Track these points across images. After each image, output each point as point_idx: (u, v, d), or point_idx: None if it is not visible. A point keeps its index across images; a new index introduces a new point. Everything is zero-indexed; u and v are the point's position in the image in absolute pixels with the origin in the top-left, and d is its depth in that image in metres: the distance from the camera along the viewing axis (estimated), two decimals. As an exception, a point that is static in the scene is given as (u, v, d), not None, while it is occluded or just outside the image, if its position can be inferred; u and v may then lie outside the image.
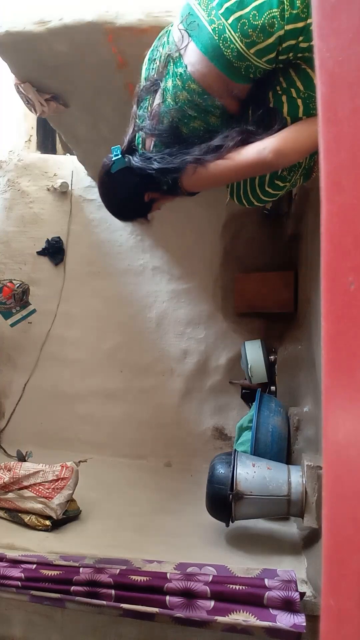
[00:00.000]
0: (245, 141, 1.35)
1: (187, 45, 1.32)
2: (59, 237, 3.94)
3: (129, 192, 1.56)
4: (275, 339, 3.50)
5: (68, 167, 3.98)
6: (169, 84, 1.39)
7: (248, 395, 3.46)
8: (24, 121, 4.41)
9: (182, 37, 1.32)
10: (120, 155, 1.51)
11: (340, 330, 0.51)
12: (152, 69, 1.45)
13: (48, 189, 3.99)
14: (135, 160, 1.48)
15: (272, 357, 3.30)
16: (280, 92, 1.35)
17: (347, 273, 0.49)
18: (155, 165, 1.43)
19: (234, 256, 3.72)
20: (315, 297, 2.45)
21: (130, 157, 1.51)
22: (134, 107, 1.53)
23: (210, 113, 1.38)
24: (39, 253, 3.96)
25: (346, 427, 0.50)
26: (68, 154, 4.13)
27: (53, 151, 4.52)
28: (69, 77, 2.62)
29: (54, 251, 3.93)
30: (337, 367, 0.52)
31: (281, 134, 1.33)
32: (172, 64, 1.36)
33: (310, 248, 2.70)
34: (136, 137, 1.51)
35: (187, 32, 1.30)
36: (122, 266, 3.87)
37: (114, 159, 1.53)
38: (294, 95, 1.33)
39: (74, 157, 3.75)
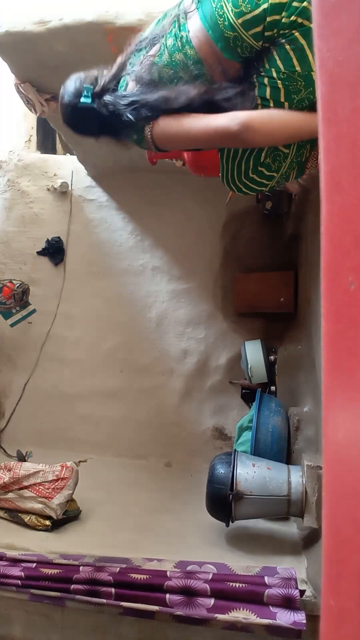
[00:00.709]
0: (221, 107, 1.38)
1: (193, 12, 1.39)
2: (59, 237, 3.94)
3: (87, 129, 1.56)
4: (275, 339, 3.51)
5: (68, 167, 3.98)
6: (169, 42, 1.42)
7: (248, 395, 3.46)
8: (24, 121, 4.41)
9: (192, 3, 1.40)
10: (90, 99, 1.48)
11: (340, 330, 0.51)
12: (158, 27, 1.48)
13: (48, 189, 3.99)
14: (107, 98, 1.46)
15: (272, 357, 3.30)
16: (263, 74, 1.37)
17: (347, 273, 0.49)
18: (128, 100, 1.42)
19: (234, 256, 3.72)
20: (315, 297, 2.45)
21: (100, 99, 1.48)
22: (122, 56, 1.52)
23: (198, 81, 1.42)
24: (39, 253, 3.96)
25: (346, 427, 0.50)
26: (68, 154, 4.13)
27: (53, 151, 4.52)
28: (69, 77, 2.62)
29: (54, 251, 3.93)
30: (337, 367, 0.52)
31: (258, 111, 1.37)
32: (177, 25, 1.42)
33: (310, 248, 2.70)
34: (121, 80, 1.50)
35: (197, 1, 1.39)
36: (122, 266, 3.87)
37: (82, 99, 1.50)
38: (274, 76, 1.35)
39: (74, 157, 3.75)
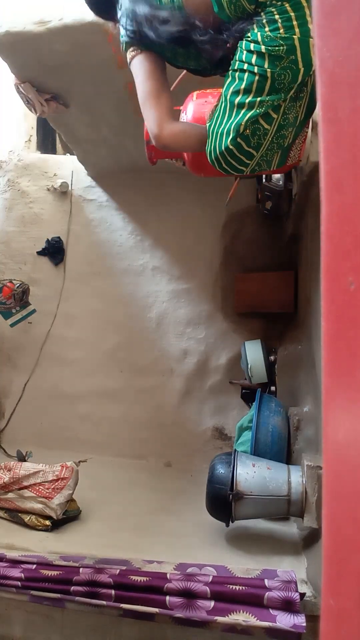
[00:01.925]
0: (192, 45, 1.46)
1: None
2: (59, 237, 3.94)
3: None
4: (275, 339, 3.50)
5: (68, 167, 3.98)
6: None
7: (248, 395, 3.46)
8: (24, 121, 4.41)
9: None
10: None
11: (340, 330, 0.51)
12: None
13: (48, 189, 3.99)
14: None
15: (272, 357, 3.30)
16: (249, 38, 1.38)
17: (347, 273, 0.49)
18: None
19: (234, 256, 3.72)
20: (315, 297, 2.45)
21: None
22: None
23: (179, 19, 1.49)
24: (39, 253, 3.96)
25: (346, 427, 0.50)
26: (68, 154, 4.13)
27: (53, 151, 4.52)
28: (69, 77, 2.62)
29: (54, 251, 3.93)
30: (337, 367, 0.52)
31: (177, 128, 1.53)
32: None
33: (310, 248, 2.70)
34: None
35: None
36: (122, 266, 3.87)
37: None
38: (259, 39, 1.36)
39: (74, 157, 3.75)
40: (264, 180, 3.02)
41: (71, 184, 3.94)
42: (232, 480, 2.10)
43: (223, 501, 2.11)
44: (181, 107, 1.87)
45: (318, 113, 0.55)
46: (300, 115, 1.47)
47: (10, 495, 2.53)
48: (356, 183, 0.49)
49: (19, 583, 1.97)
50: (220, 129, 1.48)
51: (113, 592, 1.87)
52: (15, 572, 2.00)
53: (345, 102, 0.50)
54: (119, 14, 1.53)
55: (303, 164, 2.42)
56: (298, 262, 3.33)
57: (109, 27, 2.01)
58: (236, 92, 1.42)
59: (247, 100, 1.41)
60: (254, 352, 3.27)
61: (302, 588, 1.80)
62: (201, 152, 1.61)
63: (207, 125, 1.54)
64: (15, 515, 2.52)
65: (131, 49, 1.52)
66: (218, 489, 2.14)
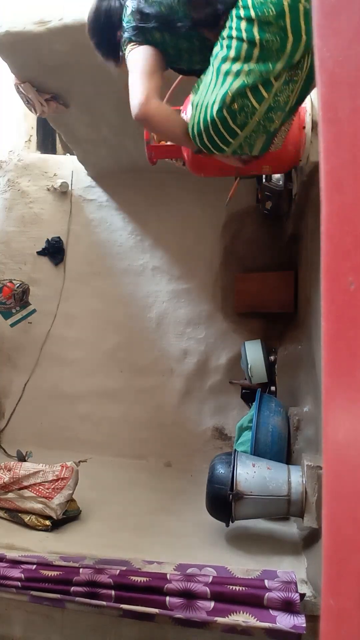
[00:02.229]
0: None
1: None
2: (59, 237, 3.94)
3: (107, 21, 1.62)
4: (275, 339, 3.50)
5: (68, 167, 3.98)
6: None
7: (248, 395, 3.46)
8: (24, 121, 4.41)
9: None
10: None
11: (340, 330, 0.51)
12: None
13: (48, 189, 3.99)
14: None
15: (272, 357, 3.30)
16: (239, 5, 1.38)
17: (347, 273, 0.49)
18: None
19: (234, 256, 3.72)
20: (315, 297, 2.45)
21: None
22: None
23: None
24: (39, 253, 3.96)
25: (346, 427, 0.50)
26: (68, 154, 4.13)
27: (53, 151, 4.52)
28: (69, 77, 2.62)
29: (54, 251, 3.93)
30: (337, 367, 0.52)
31: (161, 109, 1.49)
32: None
33: (310, 248, 2.70)
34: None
35: None
36: (122, 266, 3.87)
37: None
38: (249, 4, 1.35)
39: (74, 157, 3.75)
40: (264, 180, 3.02)
41: (71, 184, 3.94)
42: (232, 480, 2.10)
43: (223, 501, 2.11)
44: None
45: (318, 113, 0.55)
46: (291, 102, 1.44)
47: (10, 495, 2.53)
48: (356, 183, 0.49)
49: (19, 583, 1.97)
50: (206, 100, 1.45)
51: (113, 592, 1.87)
52: (15, 572, 2.00)
53: (345, 102, 0.50)
54: (124, 21, 1.54)
55: (303, 164, 2.42)
56: (298, 262, 3.33)
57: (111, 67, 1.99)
58: (224, 59, 1.39)
59: (235, 68, 1.38)
60: (254, 352, 3.27)
61: (302, 588, 1.80)
62: (178, 142, 1.58)
63: (192, 98, 1.51)
64: (15, 515, 2.52)
65: (131, 44, 1.52)
66: (218, 489, 2.14)
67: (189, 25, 1.48)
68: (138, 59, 1.50)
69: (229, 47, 1.39)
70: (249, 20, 1.34)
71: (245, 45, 1.36)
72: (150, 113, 1.47)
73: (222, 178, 2.75)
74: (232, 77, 1.39)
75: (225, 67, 1.39)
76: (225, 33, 1.39)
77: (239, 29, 1.36)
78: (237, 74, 1.38)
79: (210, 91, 1.44)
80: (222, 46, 1.40)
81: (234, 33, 1.37)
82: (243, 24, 1.36)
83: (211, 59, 1.44)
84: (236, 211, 3.66)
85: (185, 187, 3.67)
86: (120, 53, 1.60)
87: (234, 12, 1.38)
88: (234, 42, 1.37)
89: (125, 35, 1.53)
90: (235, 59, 1.38)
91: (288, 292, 3.35)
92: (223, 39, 1.40)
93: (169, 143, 2.38)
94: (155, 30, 1.50)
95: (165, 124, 1.54)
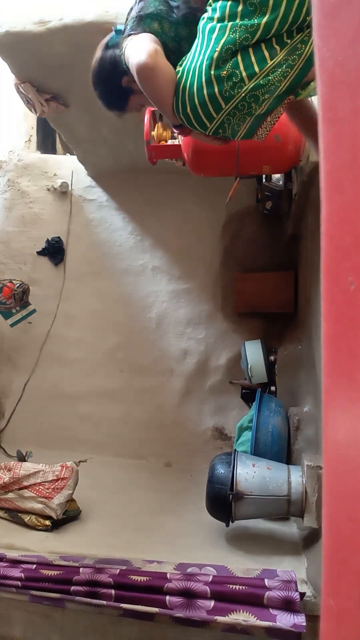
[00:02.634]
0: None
1: None
2: (59, 237, 3.94)
3: (113, 68, 1.59)
4: (275, 339, 3.50)
5: (68, 167, 3.98)
6: None
7: (248, 395, 3.46)
8: (24, 121, 4.41)
9: None
10: (122, 32, 1.57)
11: (340, 330, 0.51)
12: None
13: (48, 189, 3.99)
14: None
15: (272, 357, 3.30)
16: None
17: (347, 273, 0.49)
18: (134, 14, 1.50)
19: (234, 256, 3.72)
20: (315, 297, 2.45)
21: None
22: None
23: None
24: (39, 253, 3.96)
25: (346, 427, 0.50)
26: (68, 154, 4.13)
27: (53, 151, 4.52)
28: (69, 77, 2.62)
29: (54, 251, 3.93)
30: (337, 367, 0.52)
31: (170, 68, 1.45)
32: None
33: (310, 248, 2.70)
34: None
35: None
36: (122, 266, 3.87)
37: (114, 31, 1.59)
38: None
39: (74, 157, 3.75)
40: (264, 180, 3.02)
41: (71, 184, 3.94)
42: (232, 480, 2.10)
43: (223, 501, 2.11)
44: None
45: (318, 113, 0.55)
46: (282, 87, 1.41)
47: (10, 495, 2.53)
48: (356, 183, 0.49)
49: (19, 583, 1.97)
50: (194, 63, 1.43)
51: (113, 591, 1.87)
52: (16, 572, 2.00)
53: (345, 102, 0.50)
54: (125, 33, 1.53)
55: (303, 164, 2.42)
56: (298, 262, 3.33)
57: (109, 26, 1.99)
58: (210, 19, 1.40)
59: (220, 26, 1.37)
60: (254, 352, 3.27)
61: (302, 588, 1.80)
62: (164, 108, 1.52)
63: (178, 68, 1.48)
64: (15, 515, 2.52)
65: (130, 37, 1.50)
66: (218, 489, 2.14)
67: (187, 11, 1.47)
68: (140, 39, 1.47)
69: (213, 9, 1.39)
70: None
71: (229, 3, 1.36)
72: (158, 65, 1.42)
73: (222, 178, 2.75)
74: (217, 33, 1.38)
75: (210, 25, 1.39)
76: (211, 1, 1.40)
77: None
78: (223, 29, 1.37)
79: (198, 53, 1.42)
80: (207, 12, 1.41)
81: None
82: None
83: (199, 27, 1.43)
84: (236, 211, 3.66)
85: (185, 187, 3.67)
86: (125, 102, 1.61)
87: None
88: (218, 4, 1.38)
89: (126, 32, 1.52)
90: (221, 19, 1.38)
91: (288, 292, 3.35)
92: (210, 5, 1.41)
93: (169, 143, 2.38)
94: (154, 20, 1.48)
95: (164, 83, 1.46)
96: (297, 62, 1.39)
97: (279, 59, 1.37)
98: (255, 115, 1.46)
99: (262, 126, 1.53)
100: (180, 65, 1.47)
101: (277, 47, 1.37)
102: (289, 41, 1.37)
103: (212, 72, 1.39)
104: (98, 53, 1.61)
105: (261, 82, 1.38)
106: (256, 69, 1.37)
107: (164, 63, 1.44)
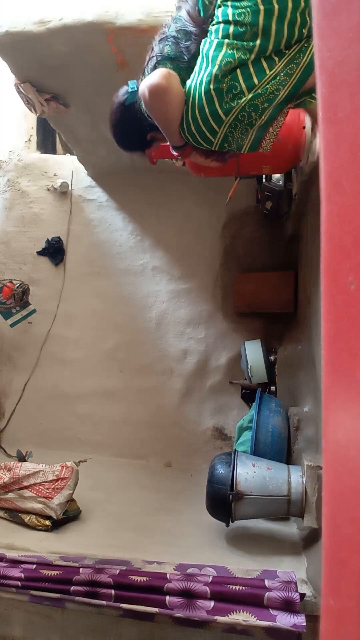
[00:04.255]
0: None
1: None
2: (59, 237, 3.94)
3: (137, 126, 1.64)
4: (275, 339, 3.51)
5: (68, 167, 3.98)
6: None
7: (248, 395, 3.46)
8: (24, 121, 4.41)
9: None
10: (135, 88, 1.58)
11: (340, 330, 0.51)
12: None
13: (48, 189, 3.99)
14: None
15: (272, 357, 3.30)
16: None
17: (347, 273, 0.49)
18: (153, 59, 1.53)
19: (234, 256, 3.72)
20: (315, 297, 2.45)
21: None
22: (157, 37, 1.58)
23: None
24: (39, 253, 3.96)
25: (346, 427, 0.50)
26: (68, 154, 4.13)
27: (53, 151, 4.52)
28: (69, 77, 2.62)
29: (54, 251, 3.93)
30: (337, 367, 0.52)
31: (180, 91, 1.48)
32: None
33: (310, 248, 2.70)
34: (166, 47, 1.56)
35: None
36: (122, 266, 3.87)
37: (130, 90, 1.61)
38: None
39: (74, 157, 3.75)
40: (264, 180, 3.02)
41: (71, 184, 3.94)
42: (232, 480, 2.10)
43: (223, 501, 2.11)
44: None
45: (318, 113, 0.55)
46: (281, 95, 1.43)
47: (10, 495, 2.53)
48: (356, 183, 0.49)
49: (19, 583, 1.97)
50: (196, 81, 1.46)
51: (113, 592, 1.87)
52: (15, 572, 2.00)
53: (345, 102, 0.50)
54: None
55: (303, 164, 2.42)
56: (298, 262, 3.33)
57: (109, 26, 2.00)
58: (210, 43, 1.43)
59: (218, 42, 1.41)
60: (254, 352, 3.27)
61: (302, 588, 1.80)
62: (170, 131, 1.55)
63: (185, 88, 1.51)
64: (15, 515, 2.52)
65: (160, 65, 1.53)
66: (218, 489, 2.15)
67: (197, 45, 1.50)
68: (157, 71, 1.50)
69: (210, 32, 1.44)
70: (224, 9, 1.40)
71: (222, 26, 1.41)
72: (171, 86, 1.45)
73: (222, 178, 2.75)
74: (215, 49, 1.41)
75: (208, 42, 1.44)
76: (210, 27, 1.45)
77: (216, 16, 1.43)
78: (220, 45, 1.41)
79: (199, 71, 1.46)
80: (207, 37, 1.46)
81: (214, 21, 1.43)
82: (220, 12, 1.42)
83: (201, 50, 1.47)
84: (236, 211, 3.66)
85: (185, 187, 3.67)
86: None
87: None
88: (214, 27, 1.43)
89: (154, 61, 1.55)
90: (217, 38, 1.42)
91: (288, 292, 3.35)
92: (210, 33, 1.45)
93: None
94: (168, 61, 1.51)
95: (176, 106, 1.49)
96: (295, 70, 1.42)
97: (277, 69, 1.40)
98: (257, 126, 1.49)
99: (266, 137, 1.57)
100: (184, 87, 1.51)
101: (276, 59, 1.41)
102: (287, 52, 1.41)
103: (212, 87, 1.42)
104: (117, 115, 1.67)
105: (260, 91, 1.41)
106: (255, 80, 1.40)
107: (177, 85, 1.47)
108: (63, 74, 2.59)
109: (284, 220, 3.49)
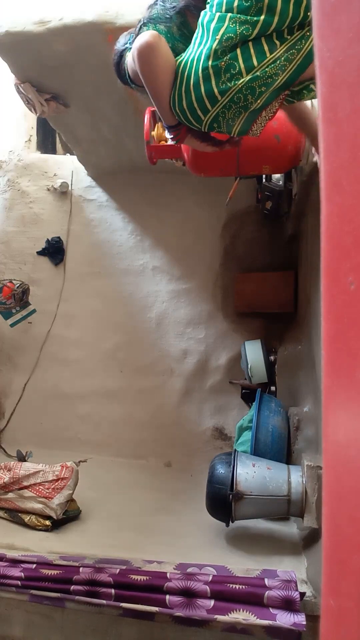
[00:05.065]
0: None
1: None
2: (59, 237, 3.94)
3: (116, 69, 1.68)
4: (275, 339, 3.51)
5: (68, 167, 3.98)
6: None
7: (248, 395, 3.46)
8: (24, 121, 4.41)
9: None
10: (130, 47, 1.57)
11: (340, 330, 0.51)
12: None
13: (48, 189, 3.99)
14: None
15: (272, 357, 3.30)
16: None
17: (347, 273, 0.49)
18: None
19: (234, 256, 3.72)
20: (315, 297, 2.45)
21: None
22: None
23: None
24: (39, 253, 3.96)
25: (346, 427, 0.50)
26: (68, 154, 4.13)
27: (53, 151, 4.52)
28: (69, 77, 2.62)
29: (54, 251, 3.93)
30: (337, 367, 0.52)
31: (168, 53, 1.43)
32: None
33: (310, 248, 2.70)
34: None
35: None
36: (122, 266, 3.87)
37: (128, 47, 1.61)
38: None
39: (74, 157, 3.76)
40: (264, 180, 3.02)
41: (71, 184, 3.94)
42: (232, 480, 2.10)
43: (223, 501, 2.11)
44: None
45: (318, 113, 0.55)
46: (279, 80, 1.41)
47: (10, 495, 2.53)
48: (356, 183, 0.49)
49: (19, 582, 1.97)
50: (193, 55, 1.42)
51: (113, 591, 1.87)
52: (16, 572, 2.00)
53: (345, 102, 0.50)
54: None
55: (303, 164, 2.42)
56: (298, 262, 3.33)
57: (109, 26, 2.00)
58: (209, 12, 1.39)
59: (220, 16, 1.36)
60: (254, 352, 3.27)
61: (302, 588, 1.80)
62: (160, 101, 1.49)
63: (178, 61, 1.45)
64: (15, 515, 2.52)
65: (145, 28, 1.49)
66: (218, 489, 2.14)
67: (181, 5, 1.47)
68: (146, 32, 1.45)
69: (211, 5, 1.39)
70: None
71: None
72: (159, 47, 1.40)
73: (222, 178, 2.75)
74: (216, 23, 1.37)
75: (209, 15, 1.39)
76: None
77: None
78: (222, 19, 1.36)
79: (198, 44, 1.41)
80: (206, 7, 1.41)
81: None
82: None
83: (199, 21, 1.43)
84: (236, 211, 3.66)
85: (185, 187, 3.67)
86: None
87: None
88: (216, 0, 1.38)
89: (139, 24, 1.52)
90: (219, 11, 1.38)
91: (288, 292, 3.35)
92: (208, 3, 1.41)
93: (169, 143, 2.38)
94: (152, 23, 1.48)
95: (164, 69, 1.42)
96: (296, 56, 1.38)
97: (278, 53, 1.36)
98: (251, 109, 1.45)
99: (257, 121, 1.52)
100: (179, 58, 1.45)
101: (277, 42, 1.37)
102: (289, 37, 1.37)
103: (210, 63, 1.37)
104: (114, 66, 1.70)
105: (259, 74, 1.38)
106: (255, 62, 1.36)
107: (165, 47, 1.41)
108: (63, 74, 2.59)
109: (284, 220, 3.49)
